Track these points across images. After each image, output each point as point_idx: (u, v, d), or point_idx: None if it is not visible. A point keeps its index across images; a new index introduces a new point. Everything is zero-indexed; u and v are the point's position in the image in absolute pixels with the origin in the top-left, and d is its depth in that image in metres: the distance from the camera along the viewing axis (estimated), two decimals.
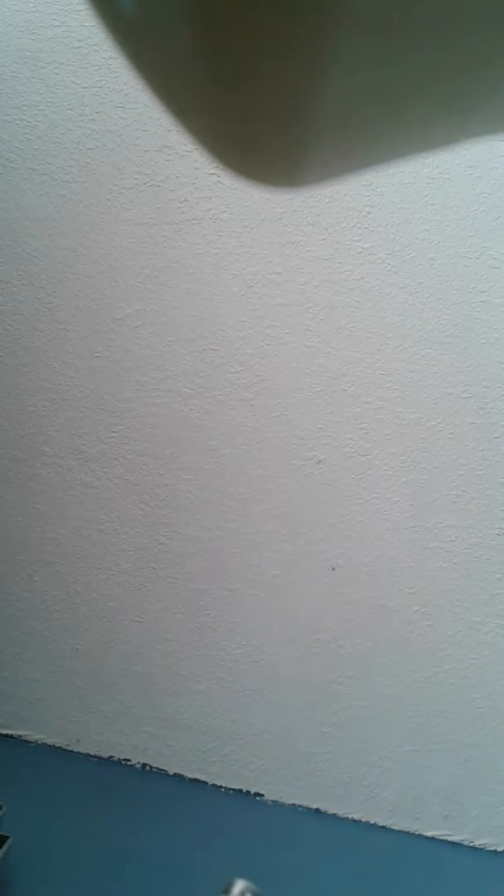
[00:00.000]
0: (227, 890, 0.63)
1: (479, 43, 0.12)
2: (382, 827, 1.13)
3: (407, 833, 1.12)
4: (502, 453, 0.99)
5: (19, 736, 1.23)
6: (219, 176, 0.97)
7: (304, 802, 1.15)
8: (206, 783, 1.18)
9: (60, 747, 1.22)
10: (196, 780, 1.18)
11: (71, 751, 1.22)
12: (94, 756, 1.21)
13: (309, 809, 1.15)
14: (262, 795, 1.17)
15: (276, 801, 1.16)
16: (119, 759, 1.21)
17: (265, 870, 1.03)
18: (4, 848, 0.94)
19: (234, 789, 1.17)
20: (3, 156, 1.02)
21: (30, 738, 1.23)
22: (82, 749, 1.22)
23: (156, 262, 1.01)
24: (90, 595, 1.15)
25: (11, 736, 1.23)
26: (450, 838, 1.12)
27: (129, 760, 1.20)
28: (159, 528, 1.10)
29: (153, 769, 1.20)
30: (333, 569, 1.06)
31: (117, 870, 1.02)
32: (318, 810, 1.15)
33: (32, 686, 1.21)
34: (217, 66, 0.12)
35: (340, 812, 1.14)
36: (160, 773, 1.19)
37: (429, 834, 1.12)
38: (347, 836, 1.12)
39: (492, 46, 0.12)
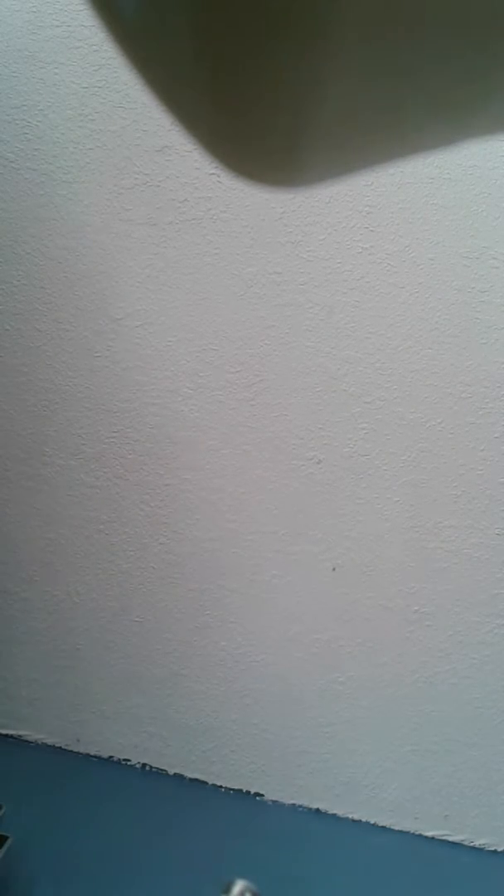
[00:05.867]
0: (227, 890, 0.63)
1: (479, 43, 0.12)
2: (382, 827, 1.13)
3: (407, 833, 1.12)
4: (502, 453, 0.99)
5: (19, 736, 1.23)
6: (219, 176, 0.97)
7: (304, 802, 1.15)
8: (206, 783, 1.18)
9: (60, 747, 1.22)
10: (196, 780, 1.18)
11: (71, 751, 1.22)
12: (94, 756, 1.21)
13: (309, 809, 1.15)
14: (262, 795, 1.17)
15: (276, 801, 1.16)
16: (119, 759, 1.21)
17: (265, 870, 1.03)
18: (4, 848, 0.94)
19: (234, 789, 1.17)
20: (3, 156, 1.02)
21: (30, 738, 1.23)
22: (82, 749, 1.22)
23: (156, 262, 1.01)
24: (90, 595, 1.15)
25: (11, 736, 1.23)
26: (450, 838, 1.12)
27: (129, 760, 1.20)
28: (159, 528, 1.10)
29: (153, 769, 1.20)
30: (333, 569, 1.06)
31: (117, 870, 1.02)
32: (318, 810, 1.15)
33: (32, 686, 1.21)
34: (217, 65, 0.12)
35: (340, 812, 1.14)
36: (160, 773, 1.19)
37: (429, 834, 1.12)
38: (347, 836, 1.12)
39: (492, 47, 0.12)
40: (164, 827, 1.09)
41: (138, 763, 1.20)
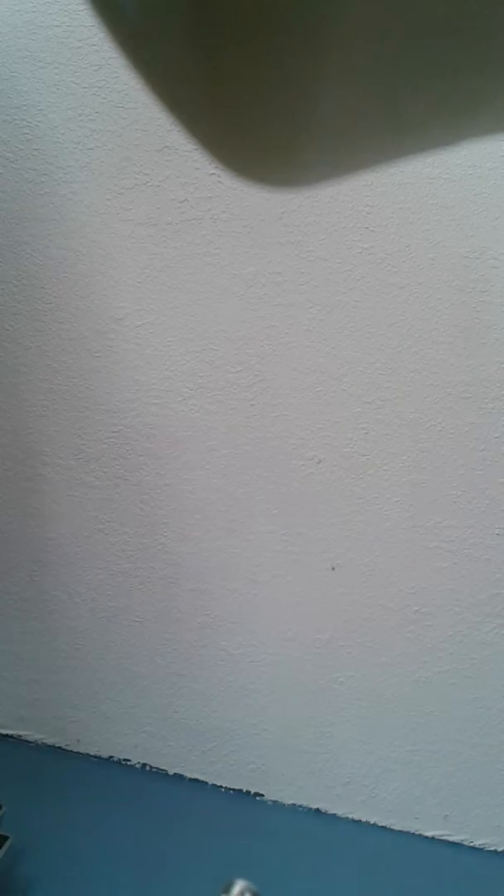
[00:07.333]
0: (227, 890, 0.63)
1: (478, 44, 0.12)
2: (382, 827, 1.13)
3: (407, 833, 1.12)
4: (502, 453, 0.99)
5: (19, 736, 1.23)
6: (219, 176, 0.97)
7: (304, 802, 1.15)
8: (206, 783, 1.18)
9: (60, 747, 1.22)
10: (196, 780, 1.18)
11: (71, 751, 1.22)
12: (94, 756, 1.21)
13: (309, 809, 1.15)
14: (262, 795, 1.17)
15: (276, 801, 1.16)
16: (119, 759, 1.21)
17: (265, 870, 1.02)
18: (4, 848, 0.94)
19: (234, 789, 1.17)
20: (3, 156, 1.02)
21: (30, 738, 1.23)
22: (82, 749, 1.22)
23: (156, 262, 1.01)
24: (90, 595, 1.15)
25: (11, 736, 1.23)
26: (450, 838, 1.12)
27: (129, 760, 1.20)
28: (159, 528, 1.10)
29: (153, 769, 1.20)
30: (333, 569, 1.06)
31: (117, 870, 1.02)
32: (318, 810, 1.15)
33: (32, 686, 1.21)
34: (217, 66, 0.12)
35: (340, 812, 1.14)
36: (160, 773, 1.19)
37: (429, 834, 1.12)
38: (347, 836, 1.12)
39: (492, 48, 0.12)
40: (164, 827, 1.09)
41: (138, 763, 1.20)
